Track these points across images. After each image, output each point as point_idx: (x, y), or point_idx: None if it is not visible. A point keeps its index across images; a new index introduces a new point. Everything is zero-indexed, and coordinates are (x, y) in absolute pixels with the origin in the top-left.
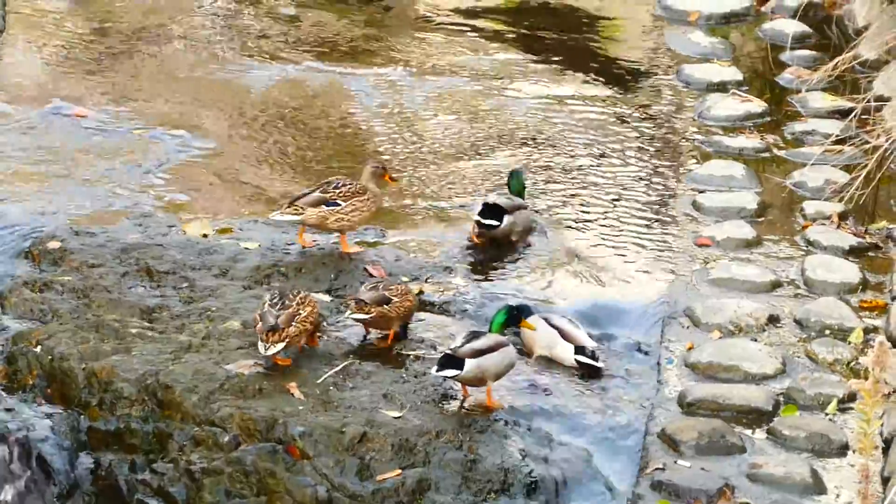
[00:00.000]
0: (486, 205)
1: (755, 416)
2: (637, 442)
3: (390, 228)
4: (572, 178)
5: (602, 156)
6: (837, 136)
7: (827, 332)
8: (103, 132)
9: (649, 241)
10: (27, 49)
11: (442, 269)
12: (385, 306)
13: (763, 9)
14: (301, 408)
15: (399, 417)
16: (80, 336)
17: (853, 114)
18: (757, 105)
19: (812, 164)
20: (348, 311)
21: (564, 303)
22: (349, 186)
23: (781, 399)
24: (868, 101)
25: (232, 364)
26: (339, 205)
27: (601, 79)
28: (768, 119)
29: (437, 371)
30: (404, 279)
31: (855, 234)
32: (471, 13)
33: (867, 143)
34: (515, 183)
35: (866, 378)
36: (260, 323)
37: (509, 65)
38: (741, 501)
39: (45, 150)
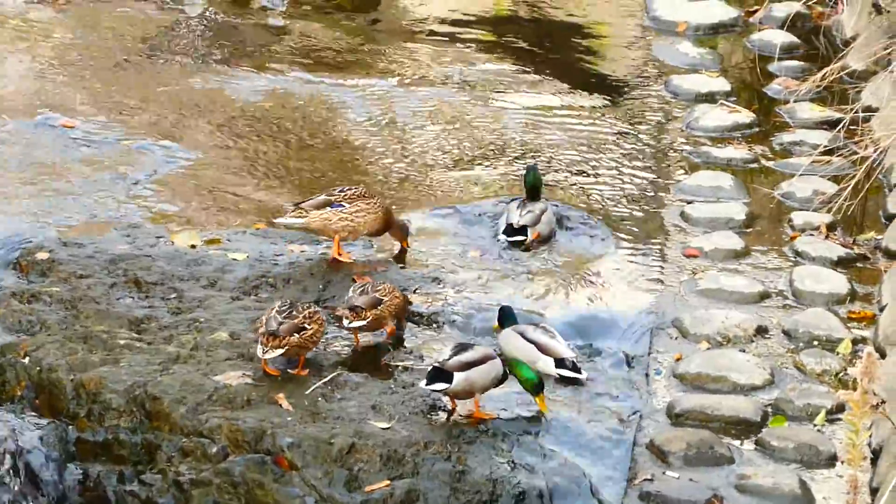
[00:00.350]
0: (510, 226)
1: (744, 427)
2: (626, 453)
3: (378, 240)
4: (561, 189)
5: (590, 166)
6: (825, 146)
7: (815, 342)
8: (91, 143)
9: (638, 252)
10: (14, 59)
11: (430, 280)
12: (378, 308)
13: (751, 19)
14: (289, 419)
15: (387, 428)
16: (69, 347)
17: (841, 124)
18: (745, 116)
19: (800, 175)
20: (345, 321)
21: (552, 314)
22: (355, 190)
23: (770, 410)
24: (856, 112)
25: (220, 375)
26: (344, 206)
27: (589, 89)
28: (756, 130)
29: (426, 385)
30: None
31: (843, 245)
32: (458, 23)
33: (855, 153)
34: (532, 178)
35: (855, 389)
36: (263, 327)
37: (497, 75)
38: None
39: (33, 160)
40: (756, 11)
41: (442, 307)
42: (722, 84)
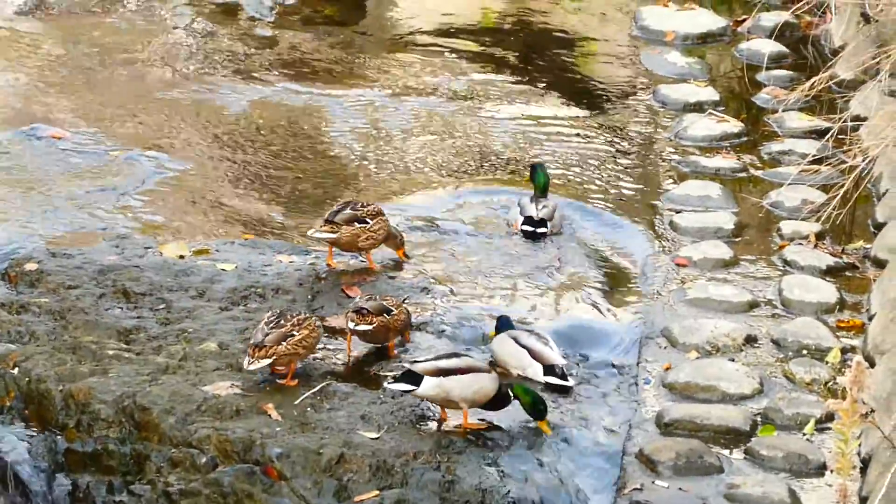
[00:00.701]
0: (530, 218)
1: (733, 437)
2: (615, 462)
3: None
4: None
5: (577, 176)
6: (814, 155)
7: (804, 351)
8: (80, 153)
9: (626, 261)
10: (2, 71)
11: (420, 289)
12: (386, 316)
13: (739, 29)
14: (278, 429)
15: (377, 438)
16: (58, 358)
17: (830, 133)
18: (733, 125)
19: (789, 184)
20: (350, 324)
21: (542, 323)
22: (370, 207)
23: (759, 419)
24: (844, 121)
25: (209, 385)
26: (368, 222)
27: (577, 99)
28: (745, 139)
29: (390, 384)
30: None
31: (832, 254)
32: (447, 34)
33: (844, 162)
34: (540, 176)
35: (844, 398)
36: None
37: (486, 85)
38: None
39: (22, 171)
40: (744, 21)
41: (431, 317)
42: (710, 94)
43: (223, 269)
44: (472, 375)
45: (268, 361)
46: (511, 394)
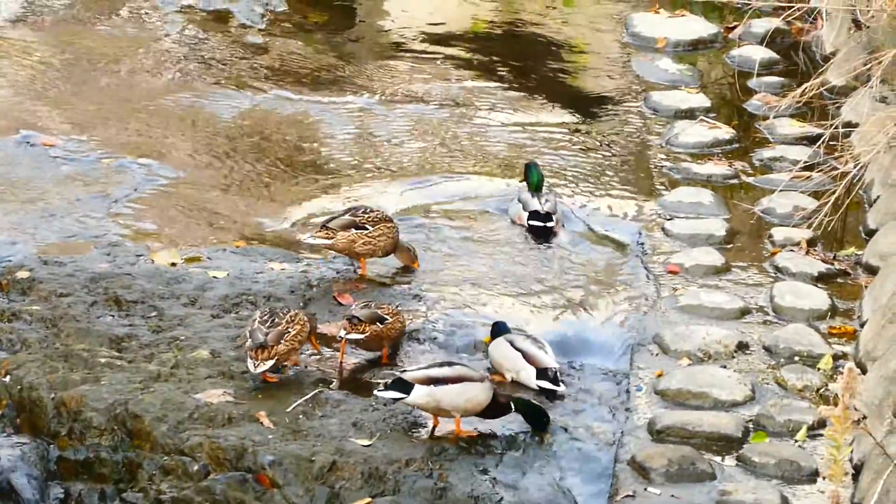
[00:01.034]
0: (535, 212)
1: (725, 443)
2: (607, 469)
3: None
4: None
5: (569, 182)
6: (805, 162)
7: (796, 358)
8: (71, 161)
9: (618, 268)
10: None
11: (411, 297)
12: (379, 324)
13: (731, 35)
14: (271, 437)
15: (369, 446)
16: (49, 366)
17: (821, 140)
18: (725, 132)
19: (780, 191)
20: (341, 332)
21: (532, 331)
22: (376, 213)
23: (751, 426)
24: (836, 128)
25: (201, 393)
26: (368, 229)
27: (569, 106)
28: (736, 146)
29: (380, 391)
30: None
31: (824, 261)
32: (439, 41)
33: (835, 169)
34: (534, 174)
35: (836, 404)
36: (249, 340)
37: (478, 92)
38: None
39: (13, 179)
40: (735, 27)
41: (422, 324)
42: (701, 100)
43: (215, 277)
44: (462, 385)
45: (271, 363)
46: (511, 405)
